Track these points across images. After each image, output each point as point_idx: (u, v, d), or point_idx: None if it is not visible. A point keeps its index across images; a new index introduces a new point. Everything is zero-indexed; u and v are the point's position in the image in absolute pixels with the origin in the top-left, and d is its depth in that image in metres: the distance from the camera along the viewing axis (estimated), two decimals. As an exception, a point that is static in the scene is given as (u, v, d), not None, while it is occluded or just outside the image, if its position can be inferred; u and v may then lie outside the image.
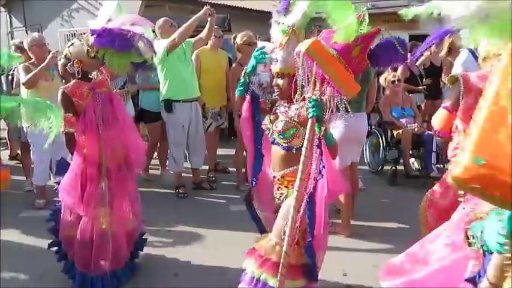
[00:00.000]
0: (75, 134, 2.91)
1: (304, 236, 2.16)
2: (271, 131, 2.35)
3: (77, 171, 2.92)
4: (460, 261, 1.74)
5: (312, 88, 2.00)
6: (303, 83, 2.01)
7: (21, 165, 5.53)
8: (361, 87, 3.74)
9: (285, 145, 2.29)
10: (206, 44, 5.17)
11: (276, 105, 2.42)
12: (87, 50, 2.84)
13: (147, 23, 2.94)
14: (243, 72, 2.44)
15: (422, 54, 5.75)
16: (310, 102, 2.00)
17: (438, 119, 2.73)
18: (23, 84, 4.44)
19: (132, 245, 3.21)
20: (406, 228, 3.86)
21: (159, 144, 5.61)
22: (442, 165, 5.16)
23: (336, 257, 3.26)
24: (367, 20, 2.06)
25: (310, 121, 2.01)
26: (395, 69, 5.92)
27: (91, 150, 2.92)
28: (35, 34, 5.00)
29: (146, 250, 3.45)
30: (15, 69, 5.08)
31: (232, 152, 5.37)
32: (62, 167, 3.10)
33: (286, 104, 2.34)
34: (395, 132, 5.46)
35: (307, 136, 2.01)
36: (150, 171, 5.70)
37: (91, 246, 2.92)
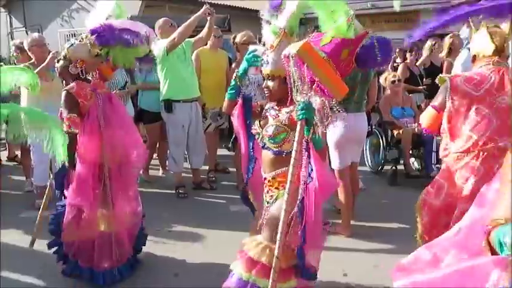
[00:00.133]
0: (77, 135, 2.90)
1: (295, 239, 2.12)
2: (261, 136, 2.29)
3: (83, 173, 2.92)
4: (479, 269, 1.62)
5: (301, 90, 1.99)
6: (297, 85, 2.00)
7: (21, 165, 5.52)
8: (361, 87, 3.83)
9: (275, 149, 2.24)
10: (206, 44, 5.17)
11: (266, 108, 2.37)
12: (90, 49, 2.84)
13: (143, 27, 2.98)
14: (234, 75, 2.38)
15: (429, 36, 5.69)
16: (299, 104, 1.99)
17: (426, 117, 2.81)
18: (23, 84, 4.44)
19: (134, 240, 3.22)
20: (406, 228, 3.84)
21: (158, 145, 5.61)
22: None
23: (336, 257, 3.26)
24: (355, 24, 2.03)
25: (299, 123, 2.00)
26: (395, 69, 5.91)
27: (93, 151, 2.92)
28: (35, 34, 5.00)
29: (146, 250, 3.45)
30: (15, 70, 5.09)
31: (232, 152, 5.37)
32: (59, 179, 3.05)
33: (276, 107, 2.30)
34: (395, 132, 5.46)
35: (296, 138, 2.00)
36: (150, 171, 5.69)
37: (93, 246, 2.95)
